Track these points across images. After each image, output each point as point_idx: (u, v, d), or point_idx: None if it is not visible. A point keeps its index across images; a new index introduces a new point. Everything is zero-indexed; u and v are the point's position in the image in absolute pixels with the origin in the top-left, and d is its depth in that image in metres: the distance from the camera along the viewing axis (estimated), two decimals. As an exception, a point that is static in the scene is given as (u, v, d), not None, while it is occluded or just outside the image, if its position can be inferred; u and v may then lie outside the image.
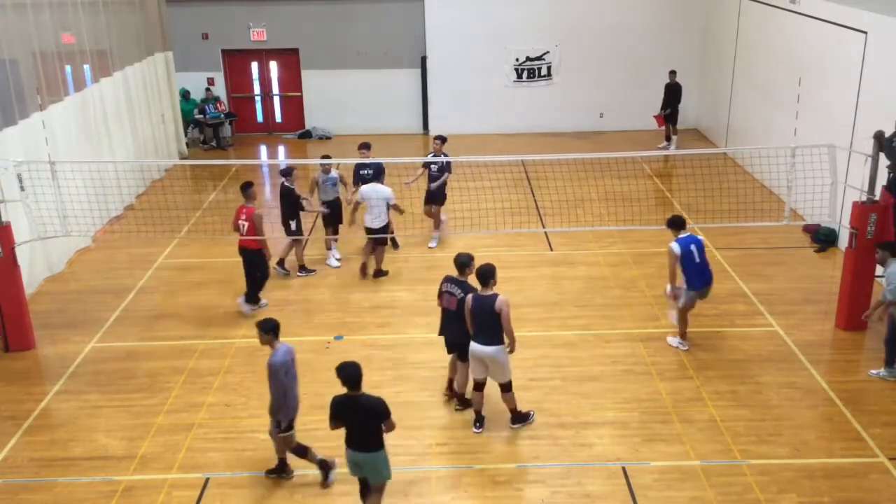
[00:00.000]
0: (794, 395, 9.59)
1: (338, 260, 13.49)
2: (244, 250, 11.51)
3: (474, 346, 8.68)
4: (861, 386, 9.79)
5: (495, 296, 8.52)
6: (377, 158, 13.43)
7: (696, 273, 10.29)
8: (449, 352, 9.46)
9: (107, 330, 11.44)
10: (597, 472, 8.34)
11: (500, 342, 8.61)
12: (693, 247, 10.22)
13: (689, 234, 10.37)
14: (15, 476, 8.44)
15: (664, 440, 8.81)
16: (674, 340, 10.74)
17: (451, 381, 9.64)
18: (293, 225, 12.71)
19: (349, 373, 7.09)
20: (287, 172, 12.76)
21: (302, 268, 13.04)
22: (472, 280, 8.87)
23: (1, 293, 10.58)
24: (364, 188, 12.56)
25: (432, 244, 14.09)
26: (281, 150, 20.93)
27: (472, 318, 8.65)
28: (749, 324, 11.29)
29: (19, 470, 8.54)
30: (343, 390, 7.14)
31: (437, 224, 14.19)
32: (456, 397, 9.51)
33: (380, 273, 12.84)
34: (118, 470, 8.50)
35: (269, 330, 7.87)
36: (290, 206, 12.63)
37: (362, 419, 7.14)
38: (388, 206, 12.53)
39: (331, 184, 13.08)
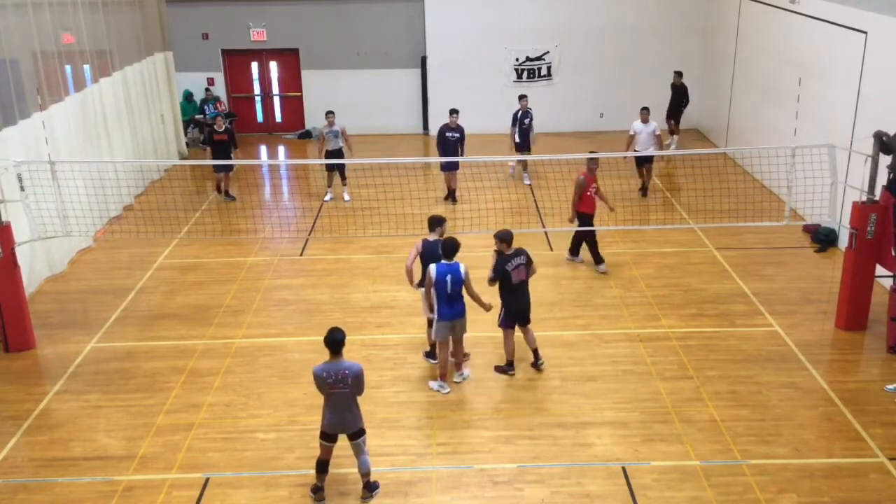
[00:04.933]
0: (794, 395, 9.59)
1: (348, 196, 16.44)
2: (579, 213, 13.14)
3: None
4: (861, 386, 9.79)
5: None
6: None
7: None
8: (515, 323, 9.96)
9: (107, 330, 11.44)
10: (597, 472, 8.34)
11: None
12: (449, 276, 9.33)
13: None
14: (15, 476, 8.44)
15: (664, 440, 8.81)
16: (434, 384, 9.85)
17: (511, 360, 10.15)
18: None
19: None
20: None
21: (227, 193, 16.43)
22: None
23: (1, 293, 10.58)
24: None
25: (527, 181, 17.00)
26: (281, 149, 20.93)
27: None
28: (749, 324, 11.29)
29: (19, 470, 8.54)
30: None
31: (526, 166, 17.11)
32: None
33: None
34: (118, 470, 8.50)
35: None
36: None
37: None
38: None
39: (333, 135, 15.95)
